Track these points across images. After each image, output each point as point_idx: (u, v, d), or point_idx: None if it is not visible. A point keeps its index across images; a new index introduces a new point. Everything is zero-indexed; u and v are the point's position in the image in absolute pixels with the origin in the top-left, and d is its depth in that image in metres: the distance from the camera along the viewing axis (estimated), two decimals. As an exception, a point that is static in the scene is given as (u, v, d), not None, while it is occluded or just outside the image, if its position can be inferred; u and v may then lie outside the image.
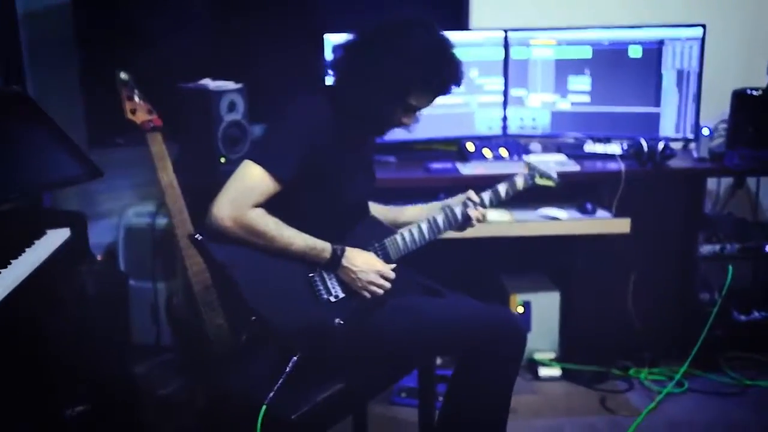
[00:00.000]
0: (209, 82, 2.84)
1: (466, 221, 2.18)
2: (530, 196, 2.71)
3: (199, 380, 2.52)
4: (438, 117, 3.11)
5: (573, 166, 2.93)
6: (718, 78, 3.10)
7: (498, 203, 2.28)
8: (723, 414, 2.77)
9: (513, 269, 3.25)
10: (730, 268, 2.96)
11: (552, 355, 3.08)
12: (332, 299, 1.93)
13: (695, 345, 2.95)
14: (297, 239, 1.89)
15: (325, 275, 1.94)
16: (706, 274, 3.09)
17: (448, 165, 2.97)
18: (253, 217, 1.84)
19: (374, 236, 2.06)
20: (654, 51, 3.02)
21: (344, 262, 1.93)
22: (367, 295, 1.95)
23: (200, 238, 1.84)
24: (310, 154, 1.89)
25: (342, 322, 1.88)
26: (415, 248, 2.10)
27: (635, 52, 3.05)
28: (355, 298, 1.96)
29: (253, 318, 1.81)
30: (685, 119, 3.03)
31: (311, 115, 1.94)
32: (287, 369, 1.78)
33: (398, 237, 2.08)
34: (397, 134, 3.03)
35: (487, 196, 2.24)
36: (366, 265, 1.95)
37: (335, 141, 1.95)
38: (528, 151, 3.16)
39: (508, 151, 3.08)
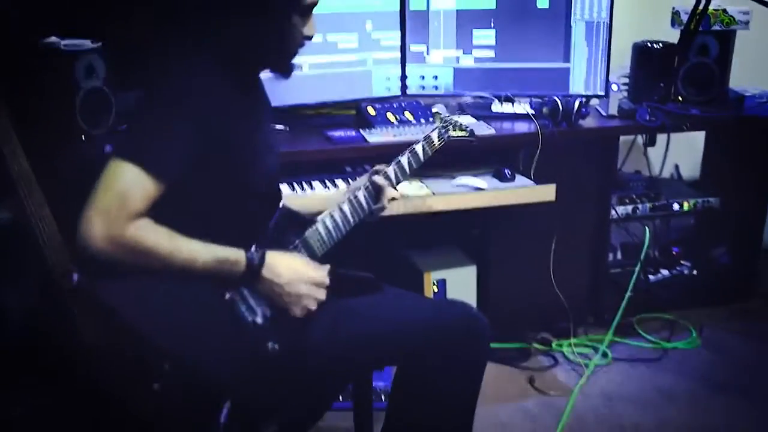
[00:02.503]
0: (58, 41, 2.28)
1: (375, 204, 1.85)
2: (436, 163, 2.43)
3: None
4: (330, 77, 2.75)
5: (487, 129, 2.67)
6: (616, 30, 2.93)
7: (413, 172, 1.96)
8: (652, 381, 2.67)
9: (423, 246, 2.96)
10: (647, 229, 2.85)
11: (471, 335, 2.84)
12: (259, 320, 1.54)
13: (611, 310, 2.84)
14: (201, 252, 1.47)
15: (246, 292, 1.54)
16: (619, 237, 2.98)
17: (352, 133, 2.61)
18: (135, 232, 1.40)
19: (291, 230, 1.68)
20: (562, 1, 2.80)
21: (265, 273, 1.53)
22: (298, 312, 1.58)
23: (77, 278, 1.38)
24: (196, 135, 1.47)
25: (277, 346, 1.51)
26: (340, 237, 1.76)
27: (542, 2, 2.81)
28: (287, 312, 1.58)
29: (166, 366, 1.39)
30: (595, 75, 2.85)
31: (188, 80, 1.51)
32: (221, 420, 1.39)
33: (319, 226, 1.71)
34: (283, 97, 2.69)
35: (392, 170, 1.89)
36: (293, 273, 1.56)
37: (227, 106, 1.53)
38: (432, 114, 2.86)
39: (413, 114, 2.77)
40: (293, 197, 1.90)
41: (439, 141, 1.99)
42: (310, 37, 1.65)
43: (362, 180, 1.89)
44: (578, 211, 2.88)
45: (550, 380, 2.68)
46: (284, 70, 1.68)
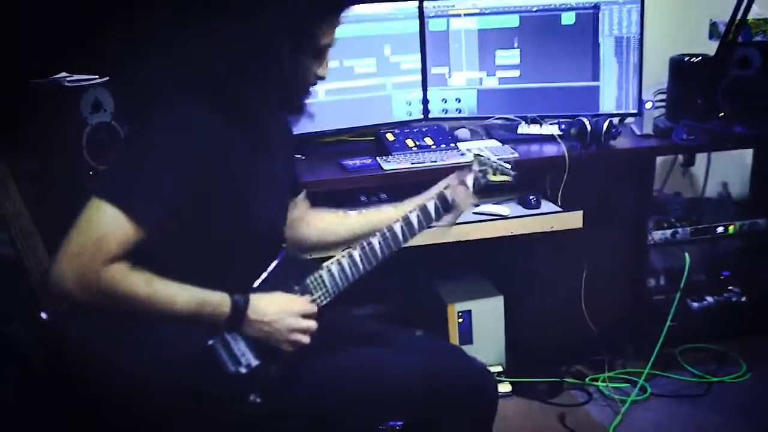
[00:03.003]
0: (65, 77, 2.27)
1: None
2: None
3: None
4: (348, 103, 2.67)
5: (511, 153, 2.55)
6: (650, 44, 2.78)
7: (439, 218, 1.83)
8: (692, 419, 2.49)
9: (448, 275, 2.85)
10: (687, 255, 2.67)
11: (499, 369, 2.71)
12: (243, 370, 1.45)
13: (651, 341, 2.66)
14: (181, 295, 1.39)
15: (229, 338, 1.46)
16: (657, 263, 2.80)
17: (368, 161, 2.52)
18: (110, 277, 1.33)
19: (292, 275, 1.58)
20: (589, 16, 2.66)
21: (251, 314, 1.45)
22: (289, 348, 1.49)
23: (46, 317, 1.32)
24: (182, 177, 1.39)
25: (259, 399, 1.42)
26: (348, 285, 1.65)
27: (568, 18, 2.68)
28: (273, 363, 1.49)
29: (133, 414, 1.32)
30: (627, 92, 2.70)
31: (174, 119, 1.42)
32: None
33: (324, 273, 1.61)
34: (299, 125, 2.61)
35: (414, 216, 1.76)
36: (278, 308, 1.48)
37: (219, 148, 1.43)
38: (456, 139, 2.75)
39: (433, 139, 2.66)
40: (349, 216, 1.83)
41: (474, 188, 1.85)
42: (323, 78, 1.56)
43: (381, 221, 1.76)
44: (612, 236, 2.72)
45: (582, 418, 2.52)
46: (294, 110, 1.60)
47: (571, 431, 2.44)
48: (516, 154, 2.54)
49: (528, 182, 2.59)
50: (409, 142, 2.63)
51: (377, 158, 2.53)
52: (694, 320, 2.83)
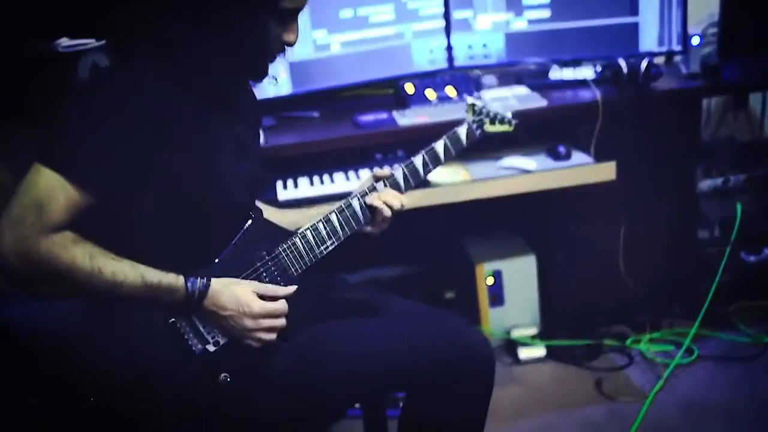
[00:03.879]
0: (64, 42, 2.19)
1: (371, 215, 1.57)
2: (485, 142, 2.16)
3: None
4: (365, 55, 2.51)
5: (537, 101, 2.35)
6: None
7: (427, 174, 1.68)
8: (744, 385, 2.28)
9: (478, 233, 2.69)
10: (739, 206, 2.43)
11: (533, 332, 2.55)
12: (211, 348, 1.35)
13: (699, 299, 2.45)
14: (129, 274, 1.28)
15: (194, 317, 1.36)
16: (707, 213, 2.57)
17: (383, 115, 2.37)
18: (50, 247, 1.23)
19: (263, 246, 1.45)
20: (625, -56, 2.41)
21: (207, 304, 1.34)
22: (254, 344, 1.38)
23: None
24: (132, 143, 1.28)
25: (228, 377, 1.32)
26: (325, 253, 1.51)
27: (602, -53, 2.43)
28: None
29: (91, 398, 1.24)
30: (669, 28, 2.44)
31: (126, 84, 1.32)
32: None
33: (298, 240, 1.48)
34: (312, 81, 2.49)
35: (400, 173, 1.63)
36: (236, 306, 1.35)
37: (175, 114, 1.32)
38: (480, 87, 2.57)
39: (456, 89, 2.48)
40: (285, 213, 1.68)
41: (467, 140, 1.71)
42: (290, 44, 1.42)
43: (364, 183, 1.64)
44: (654, 187, 2.50)
45: (621, 383, 2.35)
46: (255, 77, 1.46)
47: (609, 398, 2.28)
48: (544, 102, 2.34)
49: (559, 132, 2.40)
50: (429, 94, 2.46)
51: (393, 112, 2.37)
52: (748, 275, 2.59)
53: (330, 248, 1.51)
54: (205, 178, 1.38)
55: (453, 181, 2.19)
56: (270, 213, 1.60)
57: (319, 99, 2.52)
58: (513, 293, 2.54)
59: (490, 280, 2.52)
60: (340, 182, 2.19)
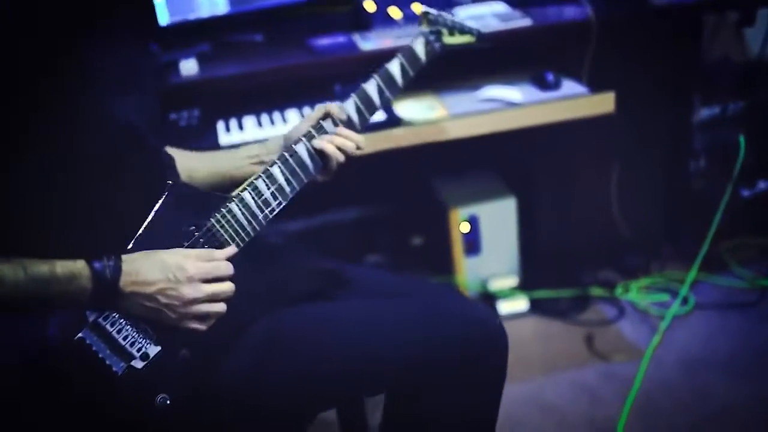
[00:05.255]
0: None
1: (322, 161, 1.25)
2: (458, 70, 1.89)
3: None
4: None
5: (520, 20, 2.01)
6: None
7: (385, 103, 1.37)
8: (746, 336, 2.08)
9: (449, 172, 2.38)
10: (742, 138, 2.17)
11: (513, 282, 2.29)
12: (138, 364, 1.02)
13: (694, 239, 2.20)
14: (10, 275, 0.94)
15: (106, 324, 1.01)
16: (704, 145, 2.31)
17: (340, 39, 2.00)
18: None
19: (189, 218, 1.11)
20: None
21: (126, 284, 1.00)
22: (196, 326, 1.05)
23: None
24: None
25: (168, 398, 1.01)
26: (270, 217, 1.19)
27: None
28: (182, 346, 1.06)
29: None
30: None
31: None
32: None
33: (234, 206, 1.15)
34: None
35: (351, 104, 1.31)
36: (166, 273, 1.02)
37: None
38: (453, 3, 2.21)
39: (423, 5, 2.11)
40: (200, 157, 1.33)
41: (426, 56, 1.39)
42: None
43: (305, 121, 1.30)
44: (649, 118, 2.22)
45: (613, 339, 2.12)
46: None
47: (602, 357, 2.06)
48: (528, 21, 2.00)
49: (544, 57, 2.07)
50: (393, 12, 2.09)
51: (354, 35, 2.01)
52: (744, 211, 2.36)
53: (276, 211, 1.19)
54: (66, 130, 1.01)
55: (428, 119, 1.86)
56: (186, 160, 1.26)
57: (263, 19, 2.13)
58: (491, 240, 2.26)
59: (465, 227, 2.23)
60: (294, 121, 1.83)
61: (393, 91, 1.37)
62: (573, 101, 1.92)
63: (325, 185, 1.30)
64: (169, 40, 2.02)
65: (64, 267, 0.97)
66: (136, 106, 1.14)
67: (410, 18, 2.08)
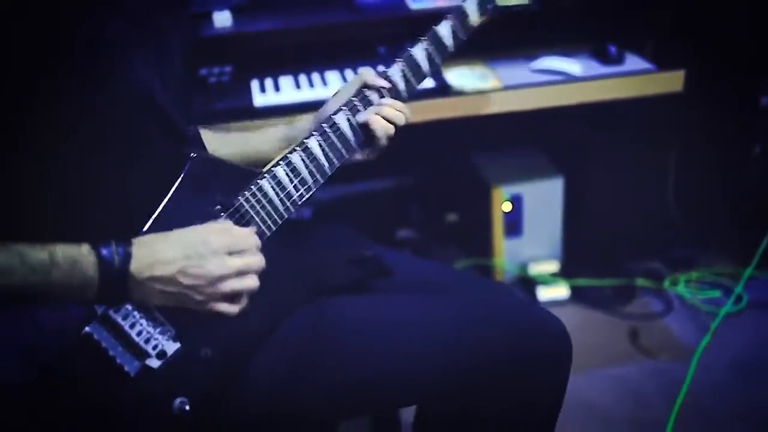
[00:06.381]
0: None
1: (364, 136, 1.12)
2: (506, 40, 1.75)
3: None
4: None
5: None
6: None
7: (434, 71, 1.21)
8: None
9: (494, 146, 2.23)
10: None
11: (554, 268, 2.16)
12: (153, 363, 0.89)
13: (754, 233, 2.05)
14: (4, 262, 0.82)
15: (117, 317, 0.88)
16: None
17: (388, -4, 1.85)
18: None
19: (215, 195, 0.98)
20: None
21: (139, 270, 0.87)
22: (228, 310, 0.92)
23: None
24: None
25: (188, 405, 0.89)
26: (306, 195, 1.06)
27: None
28: (204, 343, 0.93)
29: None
30: None
31: None
32: None
33: (266, 182, 1.02)
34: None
35: (397, 71, 1.16)
36: (186, 250, 0.89)
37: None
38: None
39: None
40: (232, 137, 1.20)
41: (480, 15, 1.23)
42: None
43: (344, 91, 1.16)
44: (715, 99, 2.05)
45: (659, 335, 1.99)
46: None
47: (646, 352, 1.92)
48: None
49: (607, 27, 1.90)
50: (449, -32, 1.93)
51: (403, -10, 1.85)
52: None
53: (313, 190, 1.06)
54: (73, 99, 0.87)
55: (480, 88, 1.71)
56: (210, 140, 1.12)
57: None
58: (533, 222, 2.12)
59: (508, 206, 2.09)
60: (335, 84, 1.69)
61: (442, 57, 1.21)
62: (637, 78, 1.76)
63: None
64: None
65: (65, 252, 0.84)
66: (160, 70, 0.99)
67: (463, -23, 1.92)
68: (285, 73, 1.73)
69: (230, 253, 0.91)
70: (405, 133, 1.32)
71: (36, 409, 0.82)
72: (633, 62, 1.81)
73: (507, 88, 1.73)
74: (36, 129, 0.85)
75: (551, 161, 2.16)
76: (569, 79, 1.75)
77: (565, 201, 2.12)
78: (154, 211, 0.92)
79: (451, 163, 2.27)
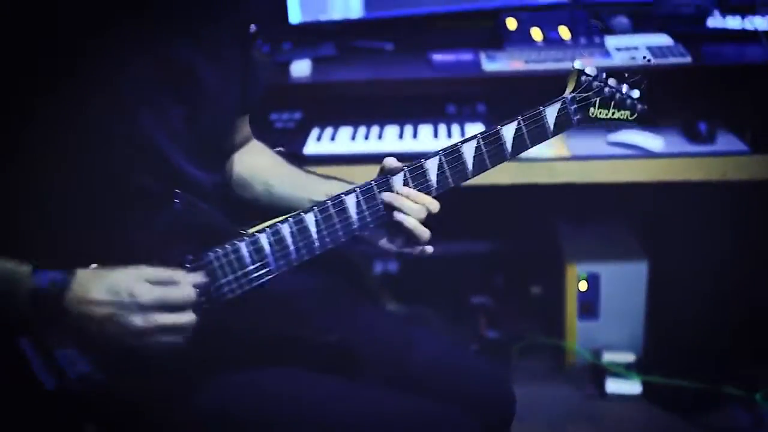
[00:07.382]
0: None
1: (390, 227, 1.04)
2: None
3: None
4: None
5: (678, 56, 1.71)
6: None
7: (479, 172, 1.06)
8: None
9: (573, 217, 2.10)
10: None
11: (630, 359, 1.96)
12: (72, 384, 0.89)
13: None
14: None
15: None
16: None
17: (466, 56, 1.81)
18: None
19: (189, 245, 0.95)
20: None
21: (71, 301, 0.87)
22: (148, 358, 0.91)
23: None
24: None
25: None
26: (285, 269, 0.99)
27: None
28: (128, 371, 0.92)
29: None
30: None
31: None
32: None
33: (243, 247, 0.96)
34: (389, 4, 1.96)
35: (434, 162, 1.03)
36: (113, 296, 0.87)
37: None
38: (608, 28, 1.93)
39: (572, 30, 1.87)
40: (306, 178, 1.16)
41: (555, 129, 1.09)
42: None
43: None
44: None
45: (741, 454, 1.75)
46: None
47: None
48: (687, 59, 1.69)
49: (704, 102, 1.75)
50: (535, 33, 1.87)
51: (481, 53, 1.81)
52: None
53: (293, 265, 0.99)
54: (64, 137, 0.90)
55: (543, 156, 1.62)
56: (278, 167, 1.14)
57: (392, 26, 1.99)
58: (611, 306, 1.95)
59: (583, 285, 1.95)
60: (391, 140, 1.67)
61: (495, 161, 1.06)
62: (727, 159, 1.59)
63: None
64: (291, 38, 1.96)
65: (3, 266, 0.87)
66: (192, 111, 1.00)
67: (551, 42, 1.85)
68: (347, 123, 1.74)
69: (158, 308, 0.89)
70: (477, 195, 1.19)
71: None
72: (726, 141, 1.64)
73: (574, 158, 1.62)
74: (18, 153, 0.90)
75: (636, 240, 1.99)
76: (645, 154, 1.62)
77: (649, 287, 1.93)
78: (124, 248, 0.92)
79: (536, 233, 2.16)
